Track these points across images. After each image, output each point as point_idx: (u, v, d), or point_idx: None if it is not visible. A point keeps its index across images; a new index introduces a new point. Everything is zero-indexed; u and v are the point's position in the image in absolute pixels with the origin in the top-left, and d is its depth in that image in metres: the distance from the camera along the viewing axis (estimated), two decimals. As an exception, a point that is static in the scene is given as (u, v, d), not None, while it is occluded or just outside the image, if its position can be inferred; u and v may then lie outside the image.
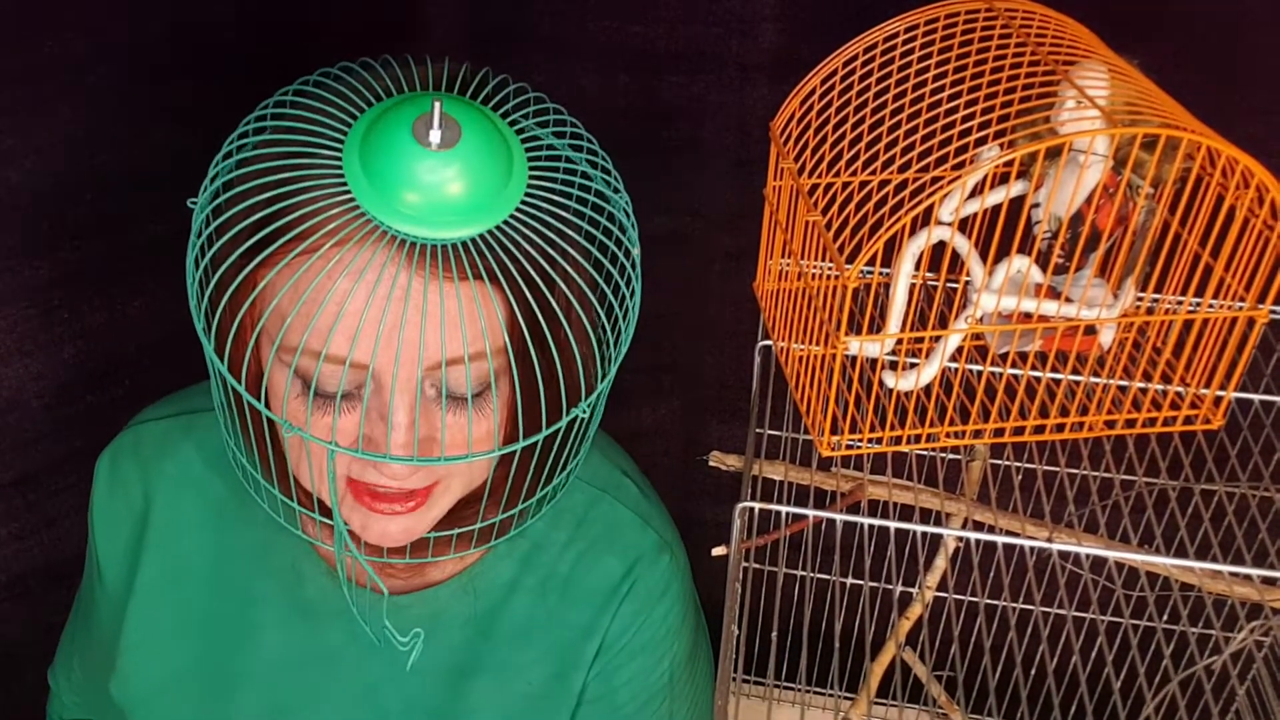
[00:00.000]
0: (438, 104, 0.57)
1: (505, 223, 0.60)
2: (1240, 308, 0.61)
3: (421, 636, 0.71)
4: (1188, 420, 0.64)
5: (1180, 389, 0.64)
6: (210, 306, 0.61)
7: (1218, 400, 0.63)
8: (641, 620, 0.76)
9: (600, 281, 0.65)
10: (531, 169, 0.63)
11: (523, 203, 0.61)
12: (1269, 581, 0.71)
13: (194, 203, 0.62)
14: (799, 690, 1.00)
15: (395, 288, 0.59)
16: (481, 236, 0.59)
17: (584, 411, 0.62)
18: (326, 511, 0.70)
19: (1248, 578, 0.71)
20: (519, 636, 0.76)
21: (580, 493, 0.78)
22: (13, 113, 0.86)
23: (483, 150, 0.59)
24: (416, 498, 0.66)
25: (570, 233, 0.62)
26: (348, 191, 0.59)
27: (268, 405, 0.65)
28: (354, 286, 0.59)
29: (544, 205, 0.62)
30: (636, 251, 0.66)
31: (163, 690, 0.77)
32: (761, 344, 0.76)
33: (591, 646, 0.76)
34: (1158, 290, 0.65)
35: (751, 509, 0.65)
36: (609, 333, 0.66)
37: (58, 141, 0.89)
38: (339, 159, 0.60)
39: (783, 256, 0.67)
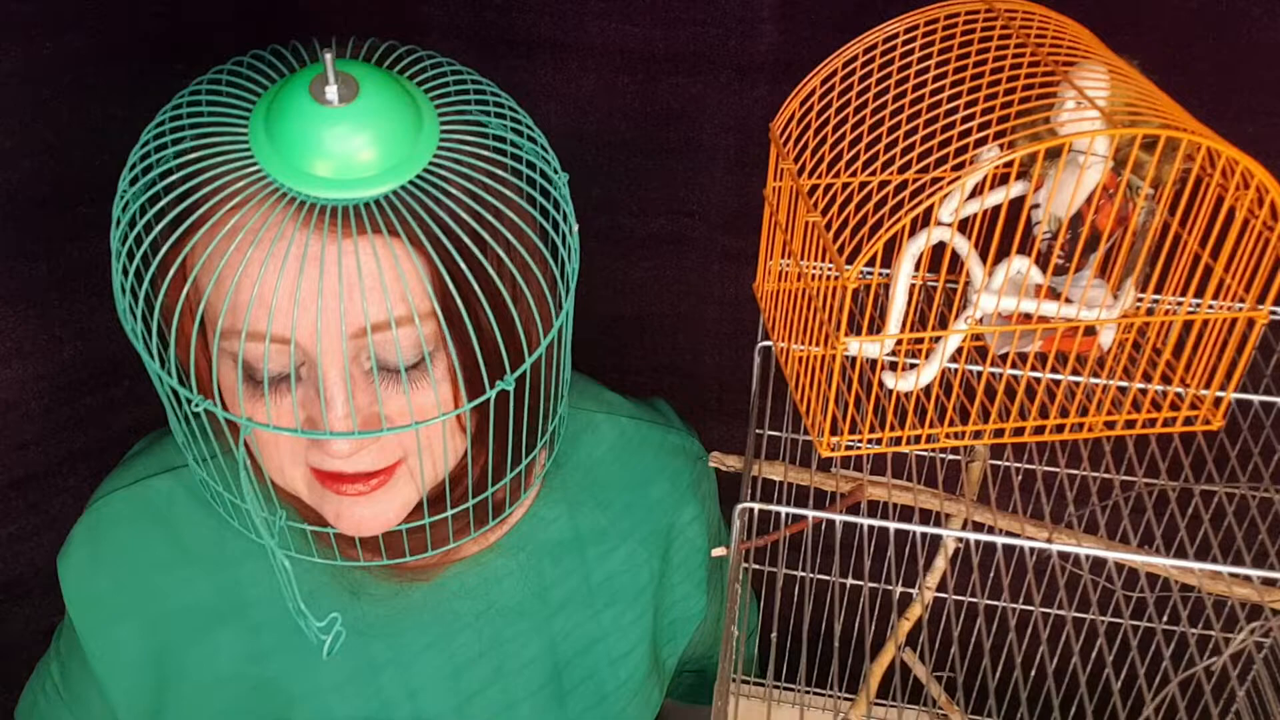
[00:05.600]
0: (328, 56, 0.55)
1: (420, 177, 0.58)
2: (1240, 309, 0.61)
3: (339, 621, 0.68)
4: (1187, 421, 0.64)
5: (1180, 390, 0.64)
6: (146, 310, 0.60)
7: (1217, 401, 0.63)
8: (693, 507, 0.86)
9: (532, 234, 0.63)
10: (445, 125, 0.61)
11: (436, 157, 0.59)
12: (1269, 582, 0.71)
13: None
14: (798, 691, 1.00)
15: (307, 254, 0.57)
16: (395, 193, 0.57)
17: (510, 385, 0.60)
18: (309, 515, 0.69)
19: (1247, 579, 0.71)
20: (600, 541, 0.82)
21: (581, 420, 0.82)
22: (12, 113, 0.86)
23: (385, 104, 0.58)
24: (377, 477, 0.65)
25: (493, 184, 0.61)
26: (255, 163, 0.57)
27: (222, 403, 0.64)
28: (265, 257, 0.57)
29: (460, 158, 0.60)
30: (576, 227, 0.65)
31: None
32: (761, 345, 0.76)
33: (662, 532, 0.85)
34: (1157, 291, 0.65)
35: (751, 510, 0.65)
36: (549, 279, 0.64)
37: (57, 142, 0.89)
38: (245, 134, 0.58)
39: (782, 257, 0.67)
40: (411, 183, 0.58)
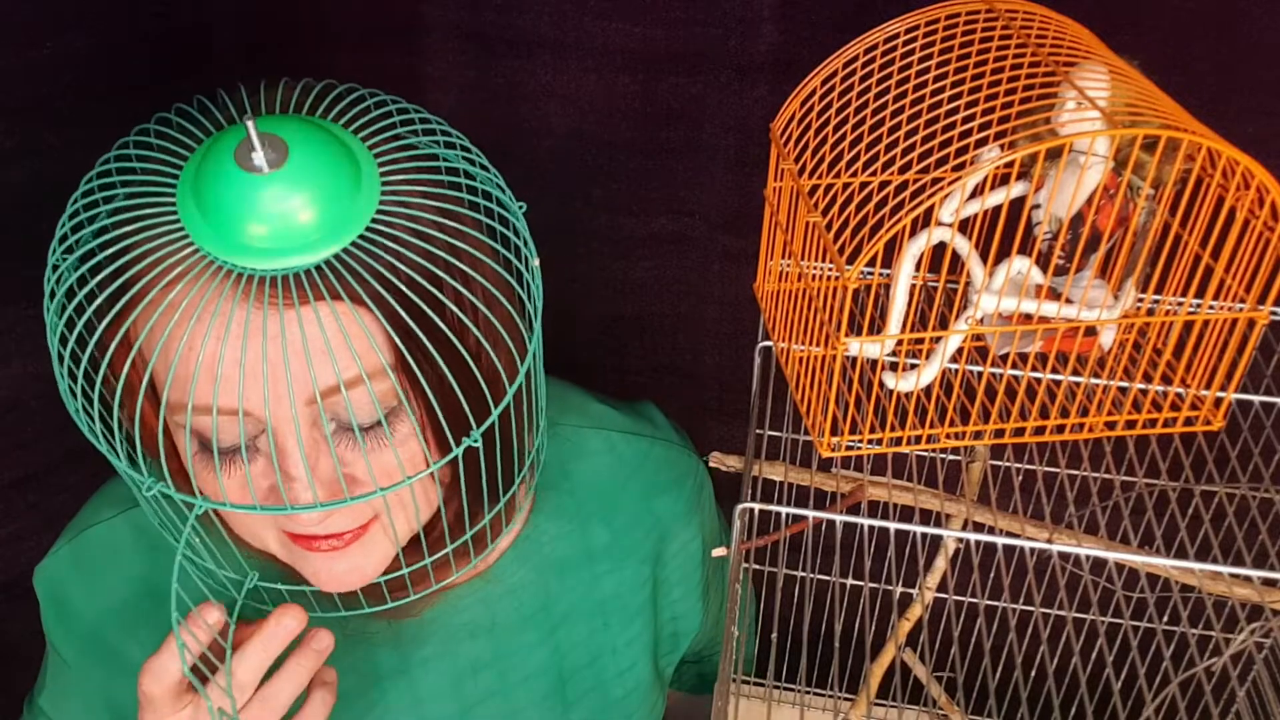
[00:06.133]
0: (250, 124, 0.53)
1: (363, 236, 0.55)
2: (1240, 309, 0.61)
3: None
4: (1188, 421, 0.64)
5: (1180, 390, 0.64)
6: (87, 385, 0.57)
7: (1218, 401, 0.63)
8: (681, 508, 0.85)
9: (485, 283, 0.60)
10: (388, 175, 0.58)
11: (380, 212, 0.57)
12: (1269, 583, 0.71)
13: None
14: (799, 691, 1.00)
15: (249, 327, 0.54)
16: (338, 256, 0.55)
17: (475, 441, 0.58)
18: (286, 568, 0.68)
19: (1248, 579, 0.71)
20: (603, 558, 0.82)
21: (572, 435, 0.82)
22: (13, 113, 0.86)
23: (317, 163, 0.55)
24: (352, 533, 0.63)
25: (442, 235, 0.59)
26: (187, 236, 0.55)
27: (176, 473, 0.62)
28: (206, 332, 0.55)
29: (406, 210, 0.57)
30: (536, 263, 0.62)
31: None
32: (761, 345, 0.76)
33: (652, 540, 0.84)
34: (1158, 291, 0.65)
35: (751, 510, 0.65)
36: (510, 324, 0.62)
37: (58, 141, 0.89)
38: (174, 203, 0.56)
39: (783, 257, 0.67)
40: (355, 243, 0.55)
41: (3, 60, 0.84)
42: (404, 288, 0.56)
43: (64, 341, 0.57)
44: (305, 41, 1.02)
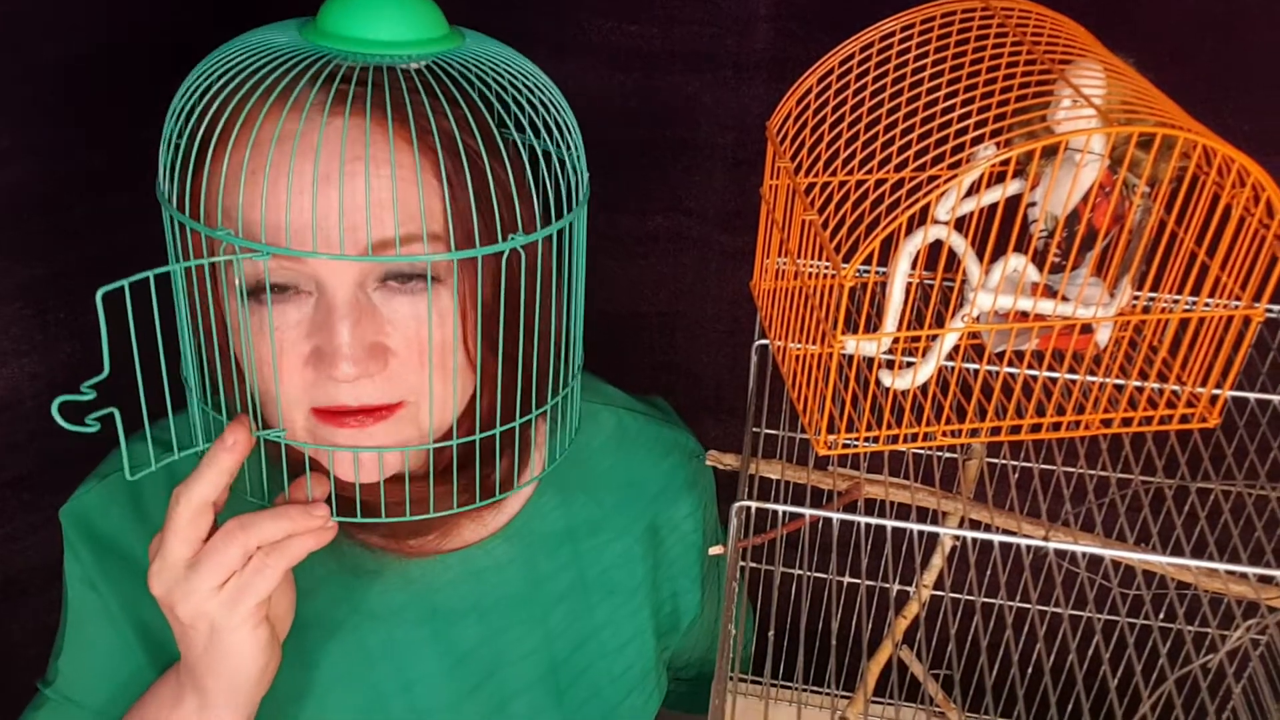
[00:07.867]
0: None
1: (436, 61, 0.64)
2: (1236, 306, 0.61)
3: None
4: (1184, 419, 0.64)
5: (1176, 388, 0.64)
6: (179, 195, 0.65)
7: (1214, 399, 0.63)
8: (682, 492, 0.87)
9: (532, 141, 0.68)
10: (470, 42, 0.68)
11: (461, 49, 0.66)
12: (1265, 580, 0.71)
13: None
14: (796, 689, 1.00)
15: (326, 127, 0.61)
16: (417, 71, 0.63)
17: (521, 241, 0.63)
18: (314, 466, 0.69)
19: (1243, 576, 0.71)
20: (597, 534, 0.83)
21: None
22: (12, 113, 0.86)
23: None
24: (380, 413, 0.66)
25: (506, 81, 0.66)
26: (304, 41, 0.64)
27: (236, 345, 0.66)
28: (273, 135, 0.62)
29: (474, 57, 0.66)
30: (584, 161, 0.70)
31: None
32: (758, 343, 0.76)
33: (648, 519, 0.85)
34: (1154, 289, 0.65)
35: (748, 508, 0.65)
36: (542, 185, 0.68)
37: (56, 141, 0.89)
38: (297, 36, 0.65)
39: (780, 255, 0.67)
40: (431, 65, 0.64)
41: (3, 60, 0.84)
42: (467, 111, 0.64)
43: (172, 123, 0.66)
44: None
